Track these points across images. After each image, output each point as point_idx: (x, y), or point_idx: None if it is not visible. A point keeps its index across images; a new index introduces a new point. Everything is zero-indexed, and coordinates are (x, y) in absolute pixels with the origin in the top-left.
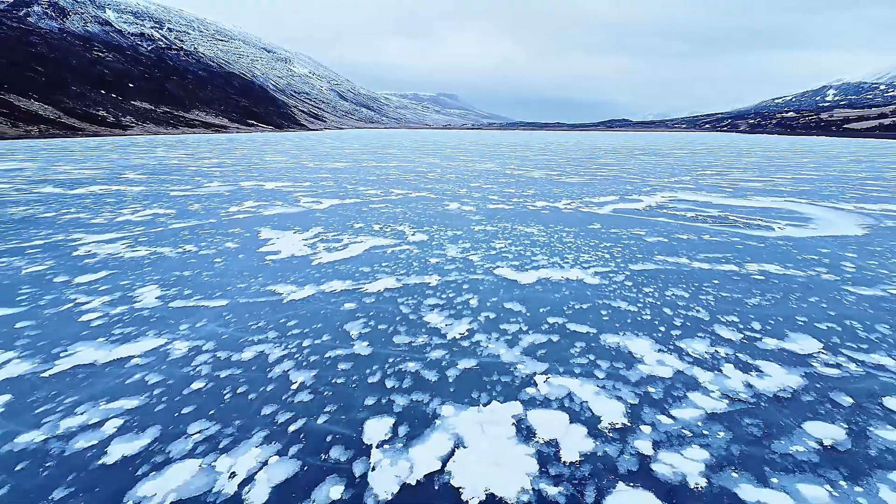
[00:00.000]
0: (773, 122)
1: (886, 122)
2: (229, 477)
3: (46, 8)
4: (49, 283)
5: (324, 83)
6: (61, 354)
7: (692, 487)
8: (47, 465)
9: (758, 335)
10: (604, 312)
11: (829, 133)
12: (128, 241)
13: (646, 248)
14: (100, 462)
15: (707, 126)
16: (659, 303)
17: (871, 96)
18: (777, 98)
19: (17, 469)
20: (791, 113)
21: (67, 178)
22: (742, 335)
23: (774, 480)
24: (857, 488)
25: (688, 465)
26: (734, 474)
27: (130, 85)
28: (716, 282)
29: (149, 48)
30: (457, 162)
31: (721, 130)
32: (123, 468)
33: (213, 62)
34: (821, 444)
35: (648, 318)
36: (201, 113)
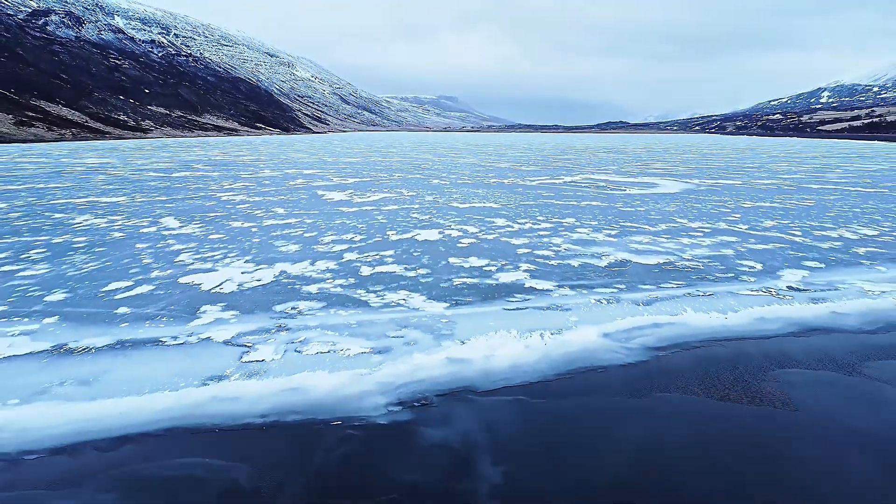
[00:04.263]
0: (759, 124)
1: (857, 123)
2: (347, 240)
3: (63, 17)
4: (225, 206)
5: (326, 87)
6: (263, 220)
7: (488, 240)
8: (306, 233)
9: (554, 217)
10: (492, 213)
11: (804, 134)
12: (245, 195)
13: (536, 196)
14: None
15: (697, 128)
16: (520, 212)
17: (863, 98)
18: (773, 100)
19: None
20: (777, 115)
21: (157, 168)
22: (544, 218)
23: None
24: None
25: (490, 234)
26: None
27: (146, 91)
28: (558, 207)
29: (160, 55)
30: (447, 158)
31: (710, 132)
32: (304, 237)
33: (220, 67)
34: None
35: (511, 216)
36: (212, 117)
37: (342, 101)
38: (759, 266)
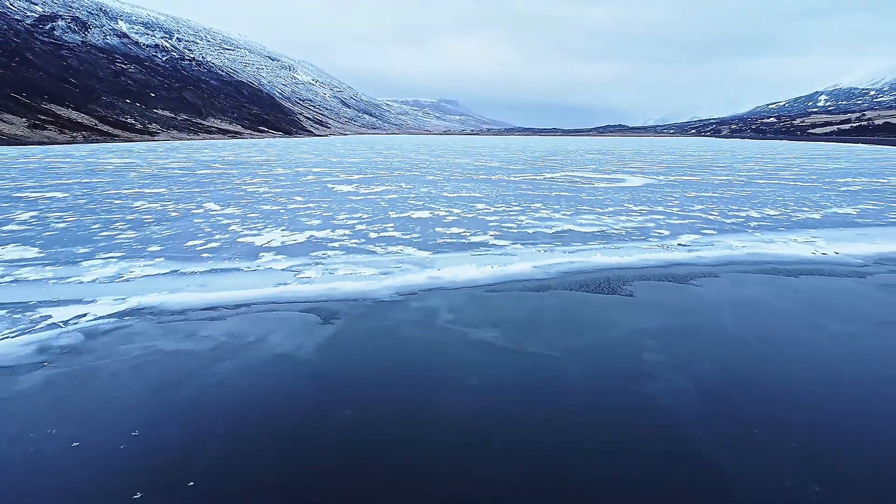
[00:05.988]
0: (753, 127)
1: (845, 127)
2: (357, 217)
3: (69, 22)
4: (252, 196)
5: (327, 90)
6: (287, 204)
7: (468, 217)
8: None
9: (525, 203)
10: (475, 201)
11: (794, 137)
12: (266, 187)
13: (516, 189)
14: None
15: (693, 131)
16: (499, 199)
17: (860, 102)
18: (771, 104)
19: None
20: (772, 119)
21: (179, 166)
22: (517, 204)
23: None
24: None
25: (470, 214)
26: (490, 209)
27: (152, 95)
28: (531, 196)
29: (164, 59)
30: (443, 158)
31: (705, 135)
32: (322, 216)
33: (223, 71)
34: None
35: (490, 202)
36: (216, 120)
37: (343, 105)
38: (667, 233)
